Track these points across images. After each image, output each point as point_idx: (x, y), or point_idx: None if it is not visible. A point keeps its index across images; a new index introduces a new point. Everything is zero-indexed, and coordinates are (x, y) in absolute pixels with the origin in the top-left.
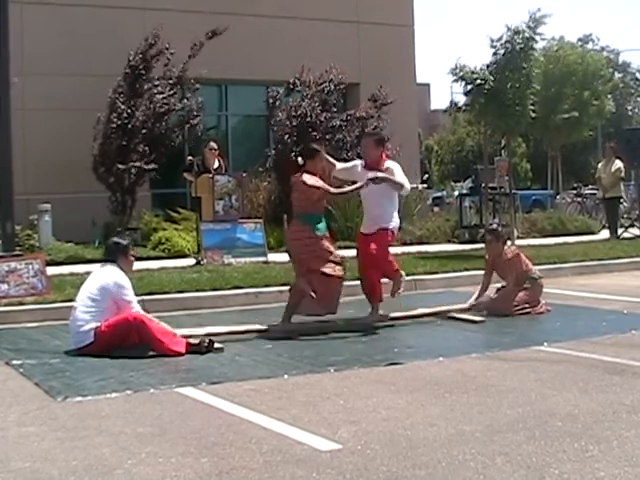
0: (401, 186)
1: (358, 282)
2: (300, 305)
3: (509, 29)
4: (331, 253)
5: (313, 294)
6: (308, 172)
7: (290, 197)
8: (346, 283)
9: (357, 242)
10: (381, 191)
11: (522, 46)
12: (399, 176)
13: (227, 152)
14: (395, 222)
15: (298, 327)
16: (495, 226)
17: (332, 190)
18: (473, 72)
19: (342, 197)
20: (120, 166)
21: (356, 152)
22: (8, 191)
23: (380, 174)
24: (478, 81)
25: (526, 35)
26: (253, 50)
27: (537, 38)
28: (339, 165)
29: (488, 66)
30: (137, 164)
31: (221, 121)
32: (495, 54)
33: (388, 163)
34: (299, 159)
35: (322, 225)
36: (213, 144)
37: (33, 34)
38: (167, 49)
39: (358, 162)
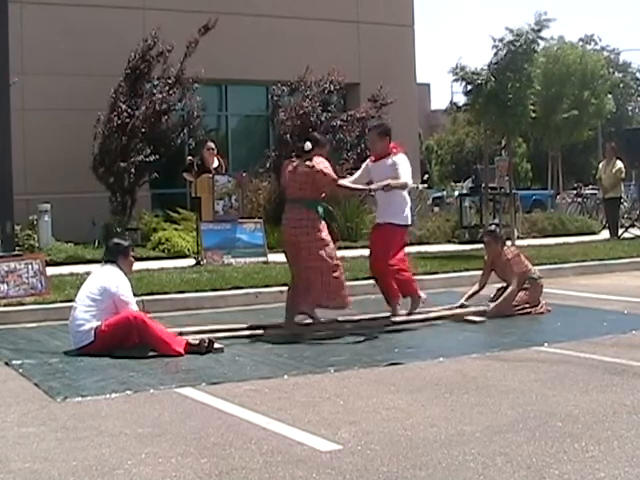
0: (404, 185)
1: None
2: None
3: (511, 31)
4: (334, 242)
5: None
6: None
7: (285, 181)
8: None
9: (370, 235)
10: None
11: (525, 48)
12: (402, 172)
13: (227, 152)
14: (405, 217)
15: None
16: (493, 227)
17: (339, 182)
18: (474, 72)
19: (343, 193)
20: (122, 164)
21: (356, 152)
22: (8, 191)
23: (384, 183)
24: (478, 81)
25: (529, 37)
26: (253, 50)
27: (539, 41)
28: (349, 179)
29: (489, 66)
30: (139, 158)
31: (221, 121)
32: (496, 54)
33: (394, 157)
34: (307, 144)
35: (323, 213)
36: (211, 144)
37: (33, 34)
38: (168, 50)
39: (367, 162)
